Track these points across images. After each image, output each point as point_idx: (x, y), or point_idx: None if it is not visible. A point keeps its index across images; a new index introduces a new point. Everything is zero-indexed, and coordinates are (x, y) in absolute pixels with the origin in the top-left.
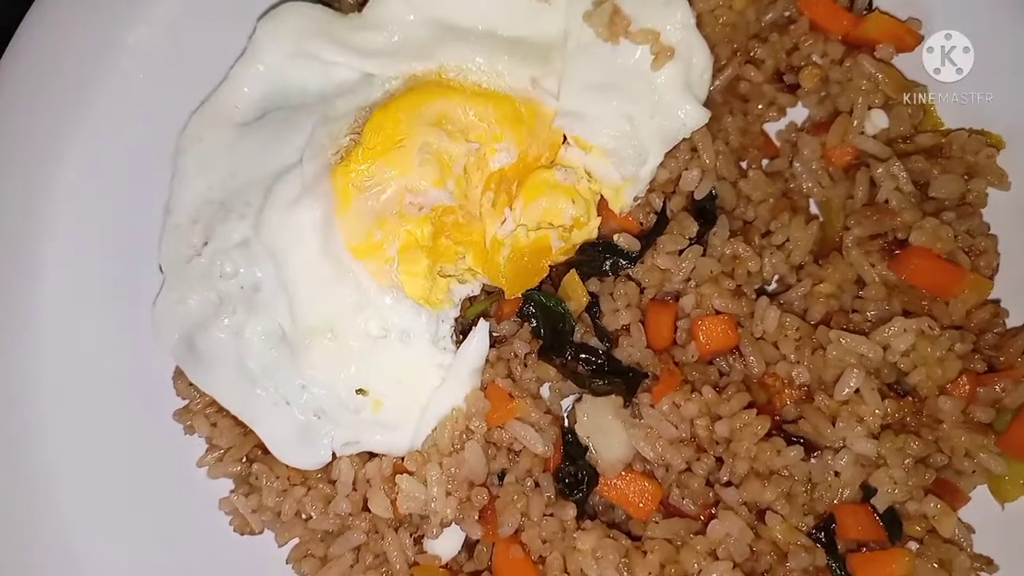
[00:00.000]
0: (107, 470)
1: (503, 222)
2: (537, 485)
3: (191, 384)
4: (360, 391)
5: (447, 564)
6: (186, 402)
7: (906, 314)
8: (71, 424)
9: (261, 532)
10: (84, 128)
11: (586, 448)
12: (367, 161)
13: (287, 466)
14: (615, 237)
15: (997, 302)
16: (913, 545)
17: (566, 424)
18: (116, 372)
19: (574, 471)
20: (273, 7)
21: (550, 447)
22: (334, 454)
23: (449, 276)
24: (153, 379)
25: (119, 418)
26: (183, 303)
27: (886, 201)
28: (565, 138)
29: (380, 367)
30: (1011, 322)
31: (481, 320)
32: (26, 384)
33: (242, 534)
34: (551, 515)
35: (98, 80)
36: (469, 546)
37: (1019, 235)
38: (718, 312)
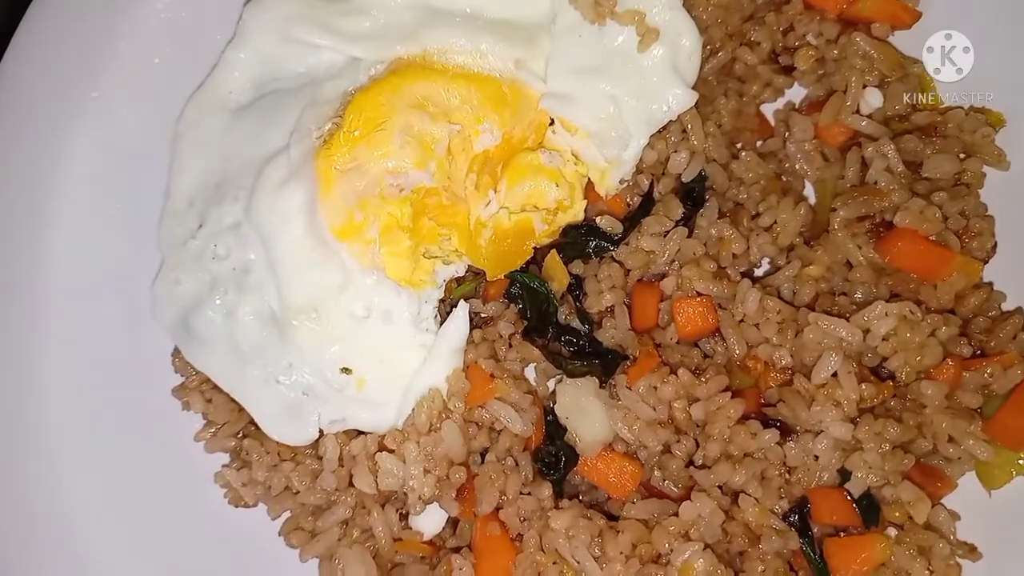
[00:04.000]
0: (108, 444)
1: (487, 204)
2: (517, 464)
3: (188, 362)
4: (345, 370)
5: (431, 540)
6: (183, 379)
7: (893, 297)
8: (73, 400)
9: (255, 505)
10: (88, 114)
11: (565, 428)
12: (348, 144)
13: (277, 442)
14: (597, 219)
15: (990, 285)
16: (893, 531)
17: (551, 404)
18: (120, 349)
19: (553, 451)
20: None
21: (530, 427)
22: (322, 431)
23: (434, 257)
24: (156, 356)
25: (122, 394)
26: (179, 284)
27: (876, 182)
28: (553, 120)
29: (363, 346)
30: (1007, 305)
31: (461, 301)
32: (30, 362)
33: (236, 506)
34: (528, 494)
35: (100, 67)
36: (453, 522)
37: (1018, 217)
38: (699, 294)
